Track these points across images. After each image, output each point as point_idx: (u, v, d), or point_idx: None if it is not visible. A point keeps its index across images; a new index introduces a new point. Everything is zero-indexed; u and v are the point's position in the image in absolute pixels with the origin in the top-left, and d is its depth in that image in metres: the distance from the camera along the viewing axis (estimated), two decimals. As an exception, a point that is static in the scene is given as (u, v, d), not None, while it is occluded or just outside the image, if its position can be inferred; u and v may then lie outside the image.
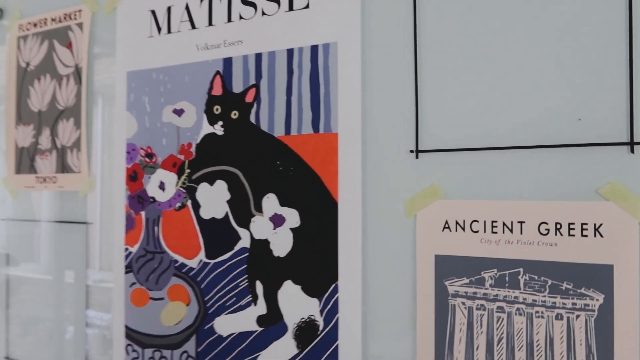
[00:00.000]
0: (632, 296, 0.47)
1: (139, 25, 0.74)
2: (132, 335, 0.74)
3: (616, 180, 0.48)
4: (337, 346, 0.60)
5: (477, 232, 0.53)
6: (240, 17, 0.66)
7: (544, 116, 0.50)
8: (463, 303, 0.53)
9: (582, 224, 0.49)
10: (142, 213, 0.73)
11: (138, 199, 0.74)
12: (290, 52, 0.63)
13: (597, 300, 0.48)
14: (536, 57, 0.51)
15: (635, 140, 0.47)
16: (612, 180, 0.48)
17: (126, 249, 0.75)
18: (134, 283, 0.74)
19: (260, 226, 0.64)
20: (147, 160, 0.73)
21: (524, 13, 0.51)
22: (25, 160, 0.86)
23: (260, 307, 0.64)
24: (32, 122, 0.85)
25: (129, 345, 0.75)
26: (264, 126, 0.64)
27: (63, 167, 0.82)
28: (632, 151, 0.47)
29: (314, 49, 0.61)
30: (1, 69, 0.90)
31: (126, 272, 0.75)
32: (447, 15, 0.55)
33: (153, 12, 0.73)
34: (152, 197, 0.73)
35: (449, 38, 0.54)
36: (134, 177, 0.74)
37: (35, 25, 0.85)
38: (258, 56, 0.65)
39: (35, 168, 0.85)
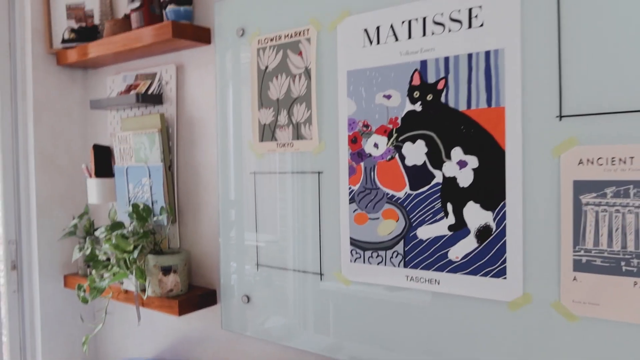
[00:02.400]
0: None
1: (355, 40, 1.12)
2: (355, 243, 1.15)
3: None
4: (505, 241, 0.96)
5: (601, 165, 0.86)
6: (432, 33, 1.02)
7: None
8: (592, 209, 0.87)
9: (672, 157, 0.80)
10: (362, 163, 1.13)
11: (358, 155, 1.13)
12: (470, 55, 0.97)
13: (681, 202, 0.80)
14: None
15: None
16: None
17: (349, 188, 1.15)
18: (356, 210, 1.14)
19: (450, 168, 1.01)
20: (364, 129, 1.12)
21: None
22: (267, 132, 1.28)
23: (451, 219, 1.02)
24: (272, 107, 1.27)
25: (352, 249, 1.15)
26: (451, 104, 1.00)
27: (298, 135, 1.23)
28: None
29: (487, 53, 0.95)
30: (246, 70, 1.32)
31: (350, 203, 1.15)
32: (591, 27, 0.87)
33: (366, 30, 1.11)
34: (369, 153, 1.11)
35: (590, 32, 0.87)
36: (354, 140, 1.13)
37: (271, 40, 1.26)
38: (446, 58, 1.00)
39: (275, 137, 1.27)
